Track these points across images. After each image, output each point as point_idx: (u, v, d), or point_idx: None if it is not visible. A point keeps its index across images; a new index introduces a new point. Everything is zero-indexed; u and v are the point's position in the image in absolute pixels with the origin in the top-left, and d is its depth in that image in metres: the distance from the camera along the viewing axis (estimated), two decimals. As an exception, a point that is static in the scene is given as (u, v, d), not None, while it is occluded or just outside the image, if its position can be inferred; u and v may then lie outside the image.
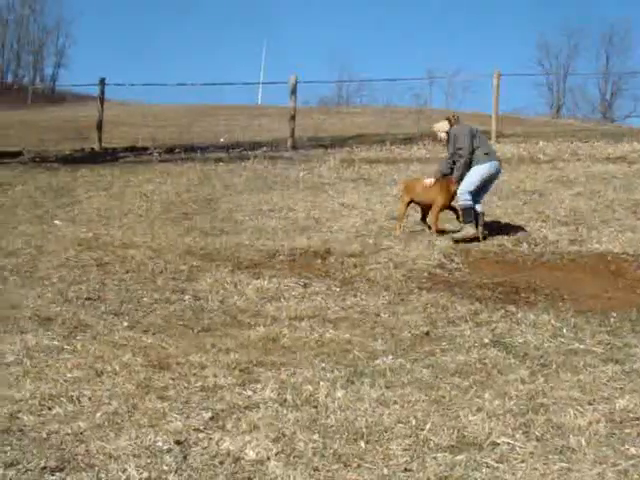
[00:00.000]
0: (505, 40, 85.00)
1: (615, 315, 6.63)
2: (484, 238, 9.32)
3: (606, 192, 11.87)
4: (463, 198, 9.26)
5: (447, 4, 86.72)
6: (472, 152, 9.25)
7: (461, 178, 9.39)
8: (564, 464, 3.85)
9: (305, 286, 7.58)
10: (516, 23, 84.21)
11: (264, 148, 18.84)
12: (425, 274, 7.99)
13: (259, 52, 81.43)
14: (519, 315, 6.68)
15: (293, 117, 19.22)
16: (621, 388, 4.86)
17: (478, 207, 9.44)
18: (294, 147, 18.90)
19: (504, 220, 10.17)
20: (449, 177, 9.59)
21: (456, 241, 9.13)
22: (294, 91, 19.52)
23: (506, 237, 9.38)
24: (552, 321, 6.48)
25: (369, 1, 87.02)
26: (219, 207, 12.12)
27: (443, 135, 9.52)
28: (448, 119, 9.52)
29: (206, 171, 15.46)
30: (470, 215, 9.32)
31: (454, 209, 9.75)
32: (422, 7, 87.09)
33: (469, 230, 9.24)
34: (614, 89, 56.19)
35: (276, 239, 9.53)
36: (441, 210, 9.62)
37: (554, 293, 7.36)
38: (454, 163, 9.54)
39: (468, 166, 9.30)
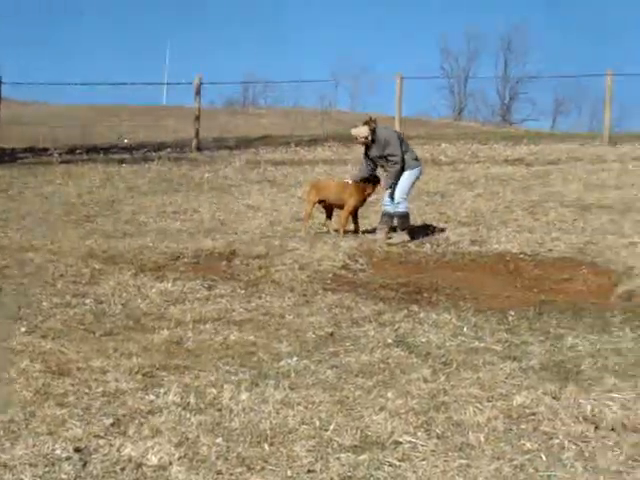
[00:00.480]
0: (411, 43, 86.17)
1: (513, 314, 6.82)
2: (389, 238, 9.47)
3: (505, 193, 12.20)
4: (404, 206, 9.47)
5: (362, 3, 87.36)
6: (403, 158, 9.41)
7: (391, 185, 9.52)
8: (463, 461, 3.93)
9: (210, 288, 7.53)
10: (420, 26, 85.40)
11: (168, 149, 18.65)
12: (330, 275, 8.05)
13: (174, 53, 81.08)
14: (421, 315, 6.79)
15: (198, 118, 19.07)
16: (518, 385, 5.00)
17: (389, 208, 9.58)
18: (199, 148, 18.76)
19: (407, 221, 10.34)
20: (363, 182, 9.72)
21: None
22: (199, 92, 19.38)
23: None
24: (453, 320, 6.61)
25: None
26: (122, 209, 11.94)
27: (363, 140, 9.58)
28: (367, 123, 9.57)
29: (109, 172, 15.20)
30: (408, 221, 9.52)
31: (356, 220, 9.87)
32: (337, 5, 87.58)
33: (405, 236, 9.42)
34: (512, 93, 57.82)
35: (180, 241, 9.44)
36: (351, 214, 9.73)
37: (455, 293, 7.52)
38: (375, 168, 9.68)
39: (400, 173, 9.44)
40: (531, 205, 11.31)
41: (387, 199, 9.67)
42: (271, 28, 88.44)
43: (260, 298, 7.26)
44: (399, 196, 9.51)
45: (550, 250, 8.96)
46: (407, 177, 9.52)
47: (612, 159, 15.01)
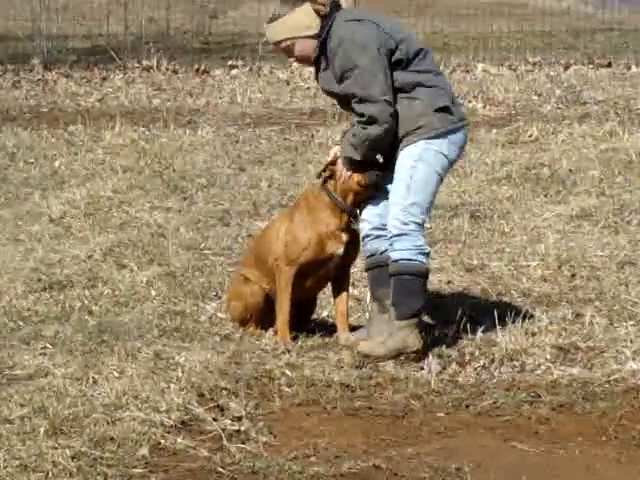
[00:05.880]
0: None
1: None
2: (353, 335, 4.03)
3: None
4: (413, 244, 3.92)
5: None
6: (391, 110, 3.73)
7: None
8: None
9: None
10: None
11: None
12: (144, 452, 3.01)
13: None
14: None
15: None
16: None
17: (375, 246, 4.00)
18: None
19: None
20: None
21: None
22: None
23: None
24: None
25: None
26: None
27: (300, 53, 3.93)
28: None
29: None
30: (421, 292, 3.99)
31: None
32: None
33: (409, 338, 3.94)
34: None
35: None
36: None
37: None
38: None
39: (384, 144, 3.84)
40: None
41: (371, 219, 4.01)
42: None
43: None
44: (400, 216, 3.83)
45: None
46: (423, 161, 3.83)
47: None
